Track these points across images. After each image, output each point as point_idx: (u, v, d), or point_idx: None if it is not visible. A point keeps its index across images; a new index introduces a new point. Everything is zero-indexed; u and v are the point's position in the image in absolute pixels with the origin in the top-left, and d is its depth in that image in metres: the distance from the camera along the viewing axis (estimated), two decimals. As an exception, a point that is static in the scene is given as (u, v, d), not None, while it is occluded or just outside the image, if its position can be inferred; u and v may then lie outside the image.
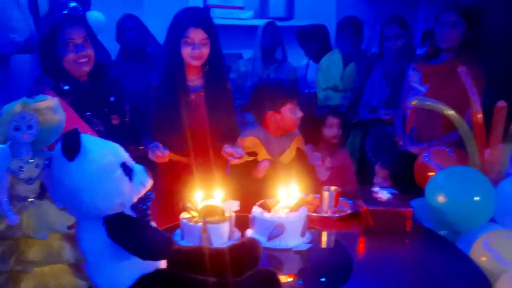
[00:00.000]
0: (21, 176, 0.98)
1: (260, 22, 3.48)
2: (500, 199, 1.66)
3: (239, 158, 1.96)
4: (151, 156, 1.95)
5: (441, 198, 1.67)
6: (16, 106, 0.98)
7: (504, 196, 1.66)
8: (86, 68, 1.85)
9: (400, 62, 2.72)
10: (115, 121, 2.01)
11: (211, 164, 1.98)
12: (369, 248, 1.63)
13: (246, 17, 3.97)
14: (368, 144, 2.92)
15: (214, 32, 1.99)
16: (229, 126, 2.09)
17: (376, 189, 1.78)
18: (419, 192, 1.85)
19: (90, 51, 1.83)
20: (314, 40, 3.37)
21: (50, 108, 1.03)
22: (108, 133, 1.90)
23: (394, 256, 1.56)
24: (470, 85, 1.78)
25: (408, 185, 1.95)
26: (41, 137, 1.03)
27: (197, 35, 1.93)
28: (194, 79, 2.04)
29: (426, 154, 1.96)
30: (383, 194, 1.74)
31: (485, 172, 1.73)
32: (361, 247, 1.63)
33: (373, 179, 2.28)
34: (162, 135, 2.01)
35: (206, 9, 3.81)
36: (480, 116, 1.77)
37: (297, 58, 3.54)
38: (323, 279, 1.40)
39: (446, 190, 1.68)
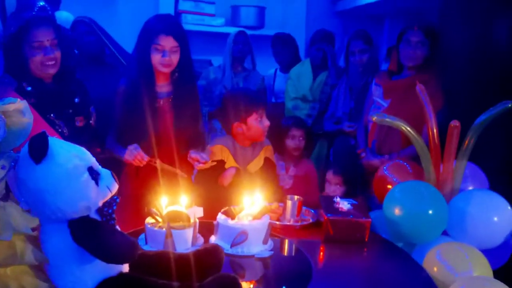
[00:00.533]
0: (-14, 177, 0.98)
1: (231, 29, 3.52)
2: (452, 213, 1.75)
3: (204, 163, 1.98)
4: (128, 156, 1.95)
5: (397, 211, 1.75)
6: (-16, 108, 0.98)
7: (456, 210, 1.75)
8: (53, 71, 1.83)
9: (365, 76, 2.82)
10: (79, 123, 1.99)
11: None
12: (329, 257, 1.69)
13: (217, 24, 4.01)
14: (332, 155, 3.00)
15: (184, 40, 2.01)
16: (195, 133, 2.12)
17: (337, 199, 1.84)
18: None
19: (57, 53, 1.82)
20: (288, 49, 3.44)
21: (19, 111, 1.03)
22: (72, 136, 1.88)
23: (352, 264, 1.62)
24: (427, 103, 1.87)
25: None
26: (8, 139, 1.03)
27: (167, 42, 1.95)
28: (163, 85, 2.06)
29: (385, 168, 2.04)
30: (344, 205, 1.80)
31: (439, 187, 1.83)
32: (321, 255, 1.68)
33: (325, 186, 2.37)
34: (127, 139, 2.01)
35: (177, 16, 3.82)
36: (434, 132, 1.86)
37: (265, 67, 3.59)
38: (283, 287, 1.44)
39: (402, 203, 1.76)
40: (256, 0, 4.20)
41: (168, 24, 1.99)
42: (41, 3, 2.30)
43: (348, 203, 1.82)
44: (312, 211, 1.96)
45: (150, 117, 1.98)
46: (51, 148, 1.03)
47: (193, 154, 2.00)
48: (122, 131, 2.05)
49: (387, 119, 1.88)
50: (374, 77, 2.56)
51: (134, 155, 1.94)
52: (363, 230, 1.70)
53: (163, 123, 2.03)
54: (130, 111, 2.01)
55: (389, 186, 1.91)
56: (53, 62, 1.80)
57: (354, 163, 2.54)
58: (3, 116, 1.01)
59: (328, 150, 3.20)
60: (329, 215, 1.72)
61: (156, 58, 1.97)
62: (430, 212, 1.71)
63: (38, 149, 1.01)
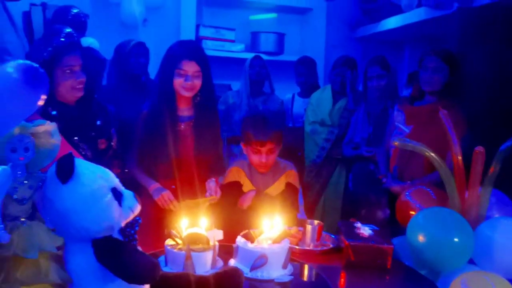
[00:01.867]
0: (15, 196, 1.00)
1: (251, 55, 3.58)
2: (479, 241, 1.70)
3: (212, 197, 2.02)
4: (155, 195, 2.01)
5: (421, 238, 1.71)
6: (15, 129, 1.00)
7: (482, 238, 1.70)
8: (80, 94, 1.88)
9: (383, 101, 2.81)
10: (102, 145, 2.02)
11: (196, 193, 2.00)
12: (350, 283, 1.65)
13: (237, 50, 4.07)
14: (351, 180, 2.97)
15: (206, 65, 2.05)
16: (215, 157, 2.14)
17: (358, 224, 1.82)
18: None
19: (84, 79, 1.87)
20: (311, 71, 3.47)
21: (48, 133, 1.06)
22: (95, 158, 1.91)
23: (374, 292, 1.58)
24: (450, 128, 1.85)
25: None
26: (36, 159, 1.05)
27: (190, 67, 1.98)
28: (184, 110, 2.09)
29: (407, 193, 2.01)
30: (365, 230, 1.78)
31: (464, 214, 1.78)
32: (341, 281, 1.65)
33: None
34: (149, 162, 2.04)
35: (199, 42, 3.90)
36: (459, 158, 1.83)
37: (283, 93, 3.62)
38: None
39: (426, 230, 1.72)
40: (275, 26, 4.26)
41: (191, 49, 2.03)
42: (68, 30, 2.38)
43: (369, 229, 1.79)
44: (332, 236, 1.93)
45: (171, 140, 2.01)
46: (77, 169, 1.05)
47: (209, 184, 2.04)
48: (143, 153, 2.07)
49: (410, 144, 1.86)
50: (395, 103, 2.55)
51: (162, 194, 1.99)
52: (385, 257, 1.67)
53: (184, 146, 2.06)
54: (151, 134, 2.04)
55: (412, 212, 1.87)
56: (81, 86, 1.85)
57: (375, 189, 2.50)
58: (32, 137, 1.04)
59: (347, 175, 3.17)
60: (350, 240, 1.69)
61: (178, 82, 2.00)
62: (456, 239, 1.66)
63: (65, 169, 1.03)
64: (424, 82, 2.34)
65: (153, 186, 2.03)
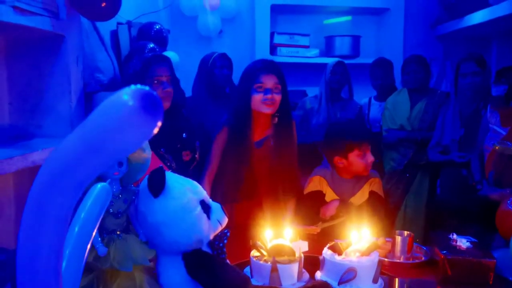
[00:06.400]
0: (111, 210, 1.03)
1: (326, 60, 3.51)
2: None
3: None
4: None
5: (527, 250, 1.55)
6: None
7: None
8: (166, 105, 1.93)
9: (475, 101, 2.61)
10: (186, 157, 2.06)
11: (279, 207, 1.97)
12: (447, 300, 1.54)
13: (312, 55, 4.02)
14: (438, 187, 2.79)
15: (284, 81, 2.00)
16: (291, 178, 2.07)
17: (453, 236, 1.69)
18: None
19: (171, 89, 1.92)
20: (387, 72, 3.35)
21: (141, 147, 1.08)
22: (180, 169, 1.96)
23: (475, 310, 1.45)
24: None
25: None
26: (129, 173, 1.08)
27: (270, 80, 1.94)
28: (262, 131, 2.04)
29: (509, 202, 1.83)
30: (462, 242, 1.64)
31: None
32: (437, 298, 1.54)
33: None
34: (224, 182, 2.04)
35: (274, 49, 3.91)
36: None
37: (359, 96, 3.52)
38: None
39: (533, 242, 1.56)
40: (350, 29, 4.16)
41: (269, 63, 2.00)
42: (151, 45, 2.48)
43: (467, 241, 1.66)
44: (424, 248, 1.81)
45: (248, 162, 1.98)
46: (167, 182, 1.07)
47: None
48: (218, 173, 2.06)
49: None
50: (486, 101, 2.36)
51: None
52: (487, 272, 1.53)
53: (260, 167, 2.02)
54: (228, 156, 2.02)
55: (515, 223, 1.71)
56: (169, 97, 1.91)
57: (470, 197, 2.32)
58: (125, 152, 1.06)
59: (430, 182, 2.99)
60: (446, 253, 1.57)
61: (258, 98, 1.95)
62: None
63: (157, 184, 1.05)
64: None
65: None
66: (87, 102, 2.17)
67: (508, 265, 1.64)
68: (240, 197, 2.03)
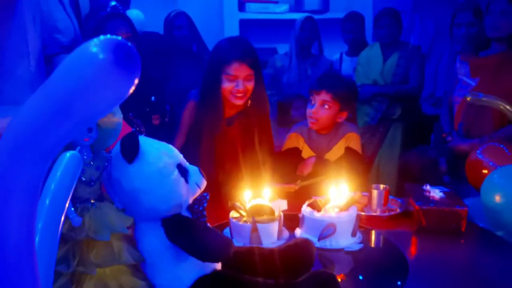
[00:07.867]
0: (83, 178, 0.98)
1: (295, 16, 3.44)
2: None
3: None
4: None
5: (497, 198, 1.60)
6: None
7: None
8: None
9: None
10: (155, 121, 2.00)
11: (257, 168, 1.93)
12: (422, 249, 1.58)
13: (281, 11, 3.93)
14: (433, 141, 2.81)
15: (258, 65, 1.85)
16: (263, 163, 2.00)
17: (427, 187, 1.72)
18: None
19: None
20: (358, 26, 3.32)
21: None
22: (149, 134, 1.89)
23: (449, 257, 1.49)
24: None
25: None
26: (100, 139, 1.02)
27: (241, 71, 1.78)
28: (233, 115, 1.94)
29: (478, 151, 1.88)
30: (435, 193, 1.68)
31: (544, 170, 1.65)
32: (413, 247, 1.58)
33: None
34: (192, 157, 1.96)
35: (243, 6, 3.79)
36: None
37: (330, 52, 3.49)
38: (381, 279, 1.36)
39: (503, 190, 1.60)
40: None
41: (242, 50, 1.80)
42: (113, 3, 2.35)
43: (440, 191, 1.70)
44: (399, 200, 1.85)
45: (217, 142, 1.88)
46: (141, 147, 1.02)
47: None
48: (188, 149, 1.92)
49: (484, 99, 1.72)
50: (458, 54, 2.37)
51: None
52: (459, 220, 1.58)
53: (232, 146, 1.93)
54: (196, 133, 1.91)
55: (485, 171, 1.75)
56: None
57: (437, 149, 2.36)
58: (94, 117, 1.00)
59: (402, 135, 3.04)
60: (420, 204, 1.60)
61: (228, 89, 1.81)
62: (536, 198, 1.55)
63: (130, 149, 1.00)
64: (490, 27, 2.14)
65: None
66: (48, 66, 2.06)
67: (479, 212, 1.70)
68: (215, 173, 1.93)
